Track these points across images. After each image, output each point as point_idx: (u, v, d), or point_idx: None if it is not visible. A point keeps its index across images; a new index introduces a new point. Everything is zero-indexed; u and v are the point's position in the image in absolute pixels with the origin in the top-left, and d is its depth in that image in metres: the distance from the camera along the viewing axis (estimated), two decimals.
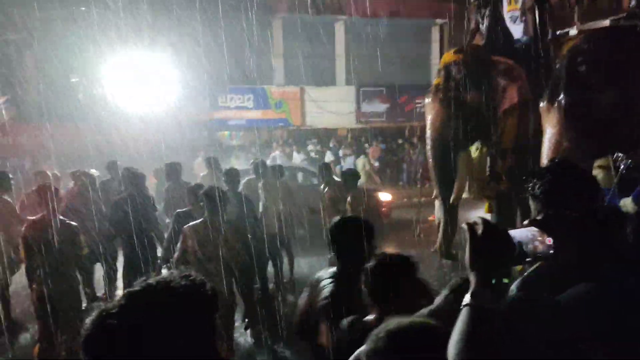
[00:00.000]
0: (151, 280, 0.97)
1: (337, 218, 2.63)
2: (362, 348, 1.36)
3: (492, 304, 1.14)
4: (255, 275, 5.52)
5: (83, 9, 13.51)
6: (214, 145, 16.10)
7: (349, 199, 5.58)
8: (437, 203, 7.74)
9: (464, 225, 1.22)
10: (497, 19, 5.37)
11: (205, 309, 0.99)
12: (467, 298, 1.16)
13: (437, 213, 7.65)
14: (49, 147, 13.13)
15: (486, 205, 5.93)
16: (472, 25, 5.69)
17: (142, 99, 13.78)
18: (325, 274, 2.44)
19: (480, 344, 1.10)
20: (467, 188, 5.69)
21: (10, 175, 5.76)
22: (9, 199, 5.52)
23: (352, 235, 2.39)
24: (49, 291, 4.10)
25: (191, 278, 0.98)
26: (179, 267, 3.90)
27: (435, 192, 5.81)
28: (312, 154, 15.46)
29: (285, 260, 6.67)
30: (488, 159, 5.63)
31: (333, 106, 17.09)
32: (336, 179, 6.81)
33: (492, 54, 5.24)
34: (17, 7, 13.74)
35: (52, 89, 14.31)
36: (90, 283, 5.72)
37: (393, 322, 1.30)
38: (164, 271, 4.78)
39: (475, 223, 1.21)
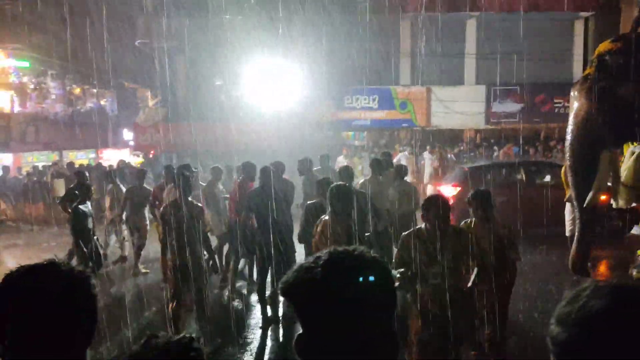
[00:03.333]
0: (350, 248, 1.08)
1: None
2: None
3: None
4: None
5: (228, 17, 14.68)
6: (339, 145, 16.52)
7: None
8: (567, 208, 6.98)
9: None
10: None
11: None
12: None
13: (568, 217, 6.91)
14: (194, 143, 14.53)
15: None
16: (636, 12, 5.15)
17: (276, 100, 14.57)
18: None
19: None
20: (613, 195, 5.11)
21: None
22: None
23: None
24: (181, 260, 4.79)
25: None
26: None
27: (568, 194, 5.29)
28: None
29: None
30: None
31: (461, 106, 16.51)
32: None
33: None
34: (170, 18, 15.39)
35: (198, 91, 15.79)
36: (213, 256, 6.41)
37: None
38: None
39: None
